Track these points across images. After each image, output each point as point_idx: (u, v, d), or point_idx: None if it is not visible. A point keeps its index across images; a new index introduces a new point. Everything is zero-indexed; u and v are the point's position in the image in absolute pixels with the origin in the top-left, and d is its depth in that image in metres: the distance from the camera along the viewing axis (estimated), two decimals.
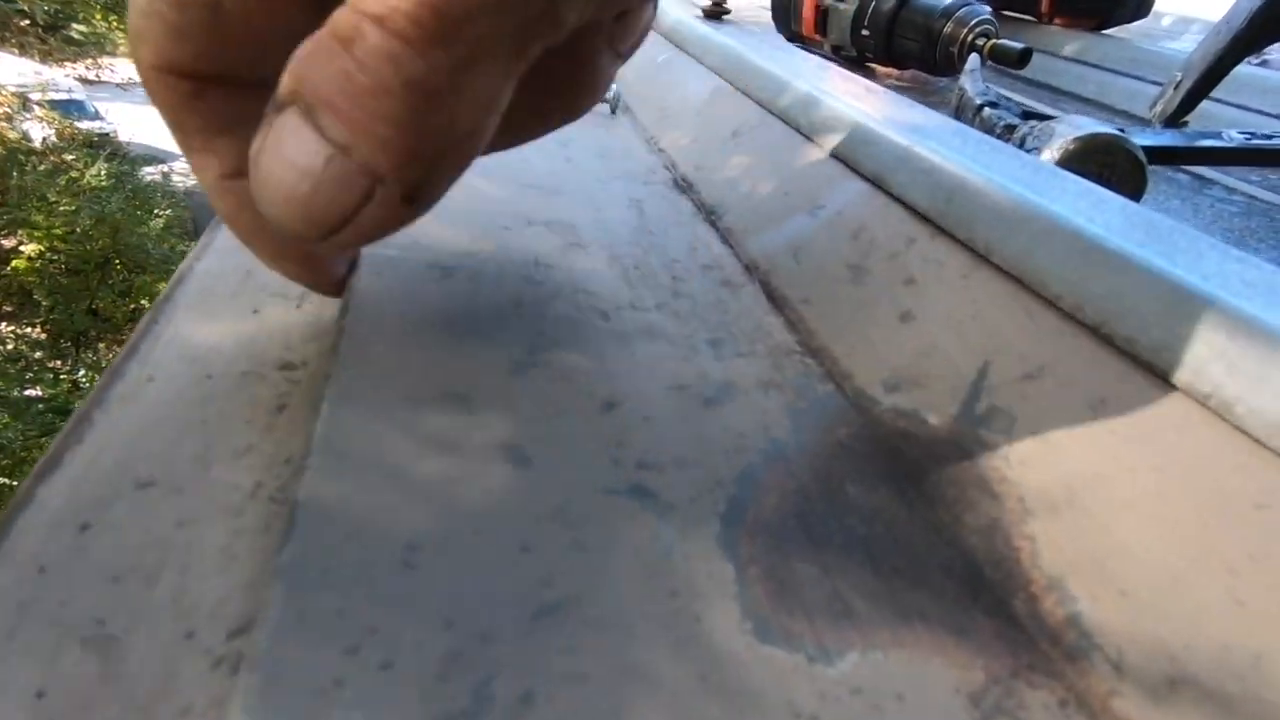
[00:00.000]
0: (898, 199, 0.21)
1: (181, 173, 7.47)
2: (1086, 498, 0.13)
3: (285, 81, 0.11)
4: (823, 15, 0.61)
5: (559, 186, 0.26)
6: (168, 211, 5.87)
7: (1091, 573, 0.12)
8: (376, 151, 0.11)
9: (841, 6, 0.59)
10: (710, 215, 0.26)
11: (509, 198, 0.24)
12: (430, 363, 0.15)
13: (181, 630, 0.10)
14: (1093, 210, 0.18)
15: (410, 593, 0.10)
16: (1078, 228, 0.16)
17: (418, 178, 0.12)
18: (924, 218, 0.20)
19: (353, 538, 0.10)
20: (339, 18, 0.11)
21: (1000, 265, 0.17)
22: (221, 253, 0.20)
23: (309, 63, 0.11)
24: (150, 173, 6.39)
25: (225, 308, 0.18)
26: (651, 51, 0.45)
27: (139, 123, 7.68)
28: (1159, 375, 0.13)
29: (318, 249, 0.11)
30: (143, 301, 5.23)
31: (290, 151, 0.11)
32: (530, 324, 0.17)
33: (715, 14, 0.45)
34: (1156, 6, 0.73)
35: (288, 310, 0.18)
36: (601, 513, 0.12)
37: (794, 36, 0.66)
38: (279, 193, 0.11)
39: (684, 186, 0.29)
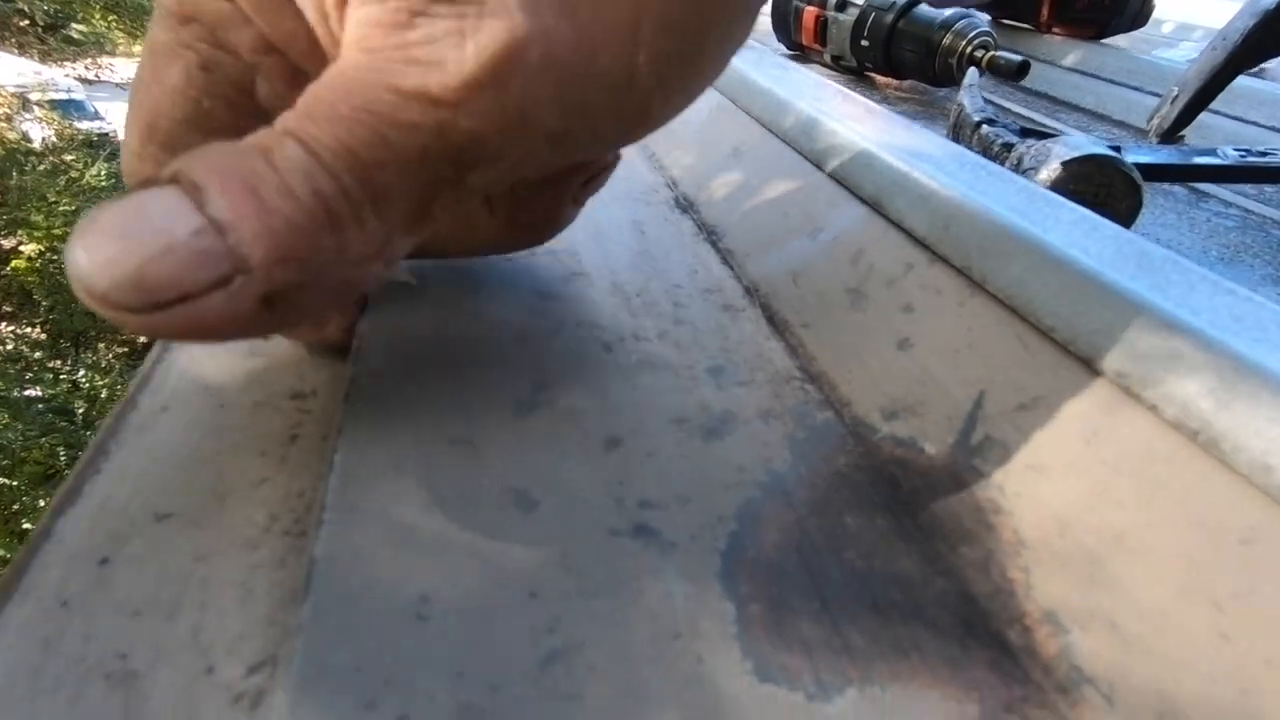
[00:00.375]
0: (895, 224, 0.21)
1: None
2: (1078, 530, 0.13)
3: (171, 166, 0.11)
4: (823, 25, 0.61)
5: None
6: None
7: (1083, 606, 0.12)
8: (255, 240, 0.10)
9: (842, 17, 0.59)
10: (711, 235, 0.27)
11: None
12: (437, 407, 0.15)
13: (201, 666, 0.11)
14: (1086, 239, 0.18)
15: (423, 644, 0.10)
16: (1070, 258, 0.16)
17: (285, 282, 0.11)
18: (921, 244, 0.20)
19: (368, 592, 0.11)
20: (261, 132, 0.11)
21: (995, 294, 0.18)
22: None
23: (213, 156, 0.11)
24: None
25: None
26: None
27: None
28: (1149, 409, 0.13)
29: (122, 320, 0.10)
30: None
31: (152, 210, 0.10)
32: (533, 360, 0.17)
33: None
34: (1156, 14, 0.74)
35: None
36: (606, 555, 0.12)
37: (794, 46, 0.67)
38: (117, 243, 0.10)
39: (685, 205, 0.29)
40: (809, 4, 0.62)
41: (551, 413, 0.16)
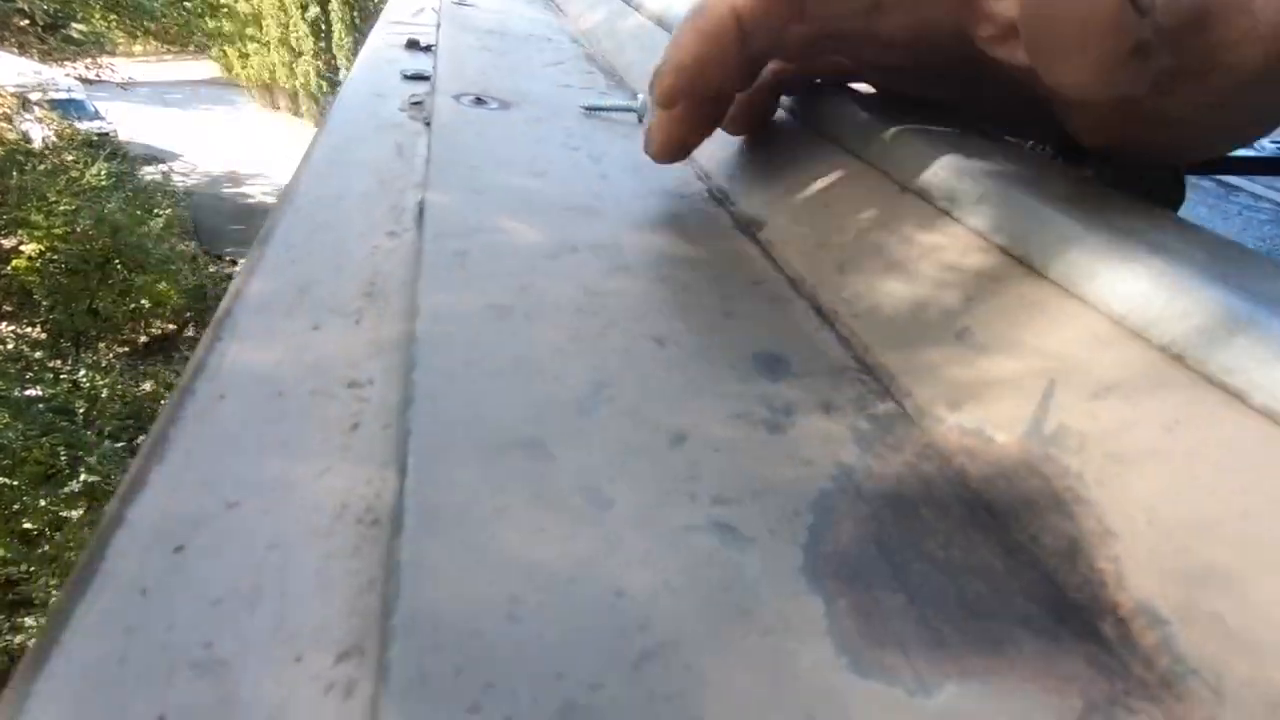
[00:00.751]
0: (946, 212, 0.21)
1: (181, 172, 7.47)
2: (1168, 520, 0.13)
3: None
4: None
5: (598, 207, 0.26)
6: (167, 211, 5.87)
7: (1180, 595, 0.12)
8: None
9: None
10: (749, 228, 0.26)
11: (552, 224, 0.24)
12: (501, 407, 0.15)
13: (289, 654, 0.10)
14: (1149, 227, 0.18)
15: (519, 646, 0.10)
16: (1136, 245, 0.16)
17: None
18: (975, 232, 0.20)
19: (457, 594, 0.11)
20: None
21: (1057, 281, 0.17)
22: (273, 270, 0.20)
23: None
24: (150, 172, 6.38)
25: (285, 325, 0.18)
26: None
27: (139, 122, 7.67)
28: (1234, 396, 0.13)
29: None
30: (143, 301, 5.23)
31: None
32: (589, 358, 0.17)
33: None
34: None
35: (346, 326, 0.18)
36: (686, 552, 0.12)
37: None
38: None
39: (720, 198, 0.29)
40: None
41: (613, 410, 0.15)
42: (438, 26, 0.55)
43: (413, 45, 0.48)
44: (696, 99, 0.24)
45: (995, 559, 0.13)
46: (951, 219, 0.21)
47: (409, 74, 0.42)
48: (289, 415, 0.15)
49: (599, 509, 0.13)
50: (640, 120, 0.38)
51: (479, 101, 0.36)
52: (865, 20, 0.22)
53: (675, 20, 0.49)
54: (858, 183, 0.25)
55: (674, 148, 0.26)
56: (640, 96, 0.38)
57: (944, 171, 0.22)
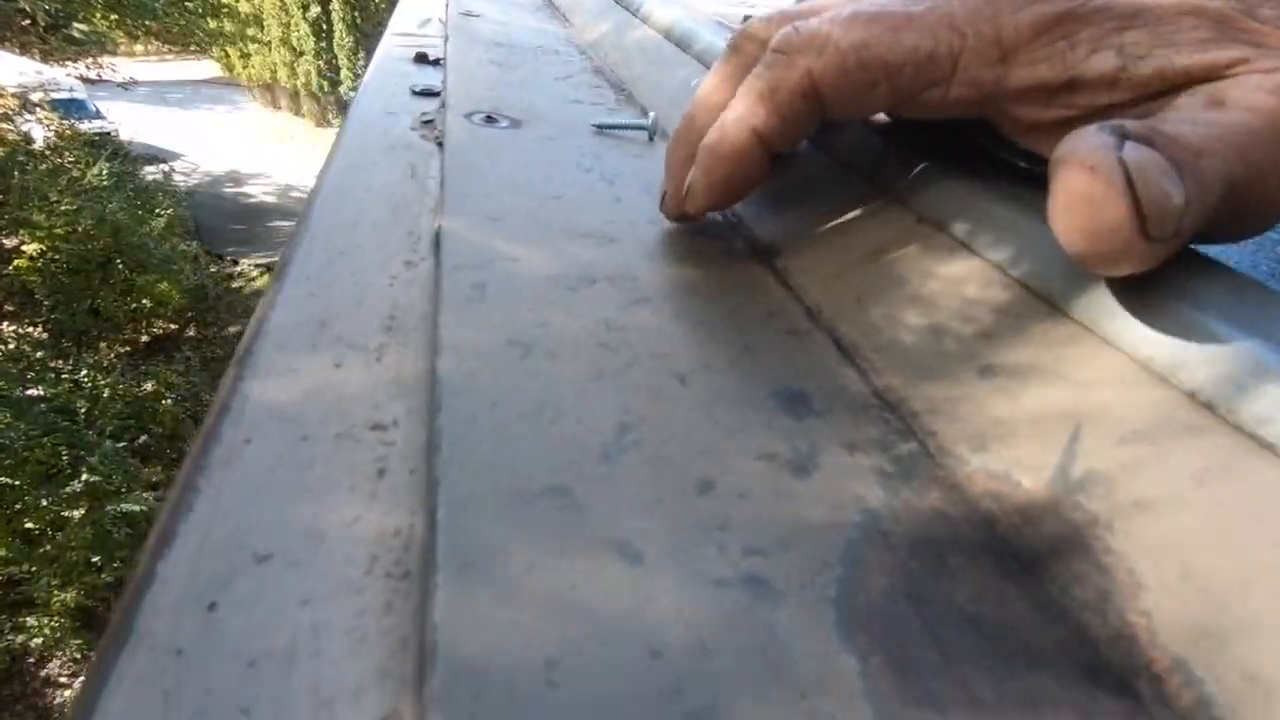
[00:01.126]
0: (966, 245, 0.21)
1: (182, 172, 7.48)
2: (1200, 573, 0.13)
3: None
4: None
5: (614, 234, 0.26)
6: (168, 210, 5.88)
7: (1215, 652, 0.12)
8: None
9: None
10: (765, 254, 0.26)
11: (568, 253, 0.24)
12: (527, 453, 0.15)
13: None
14: (1173, 269, 0.18)
15: (559, 713, 0.10)
16: (1161, 288, 0.16)
17: None
18: (998, 267, 0.20)
19: (493, 658, 0.11)
20: None
21: (1082, 323, 0.17)
22: (292, 302, 0.20)
23: None
24: (151, 172, 6.39)
25: (306, 362, 0.18)
26: (686, 74, 0.45)
27: (140, 122, 7.67)
28: (1265, 447, 0.13)
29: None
30: (144, 301, 5.23)
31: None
32: (613, 397, 0.17)
33: None
34: None
35: (368, 364, 0.18)
36: (718, 608, 0.12)
37: None
38: None
39: (734, 222, 0.29)
40: None
41: (639, 455, 0.15)
42: (445, 39, 0.55)
43: (421, 59, 0.48)
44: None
45: (1026, 613, 0.13)
46: (971, 252, 0.21)
47: (418, 89, 0.42)
48: (315, 461, 0.15)
49: (630, 562, 0.13)
50: (651, 139, 0.38)
51: (490, 120, 0.36)
52: (886, 108, 0.22)
53: (684, 35, 0.49)
54: (875, 212, 0.25)
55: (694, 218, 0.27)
56: (651, 115, 0.38)
57: (963, 204, 0.22)
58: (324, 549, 0.13)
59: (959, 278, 0.21)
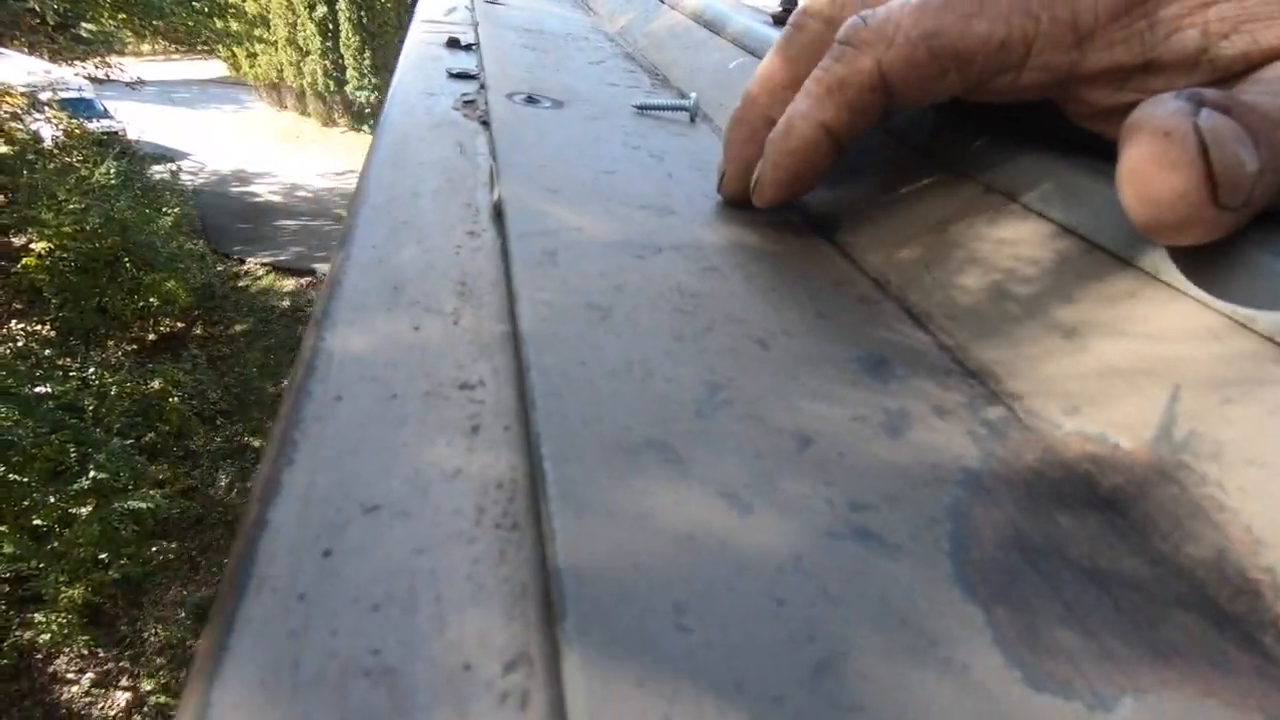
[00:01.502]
0: (1038, 213, 0.21)
1: (190, 171, 7.50)
2: None
3: None
4: None
5: (671, 206, 0.26)
6: (175, 209, 5.90)
7: None
8: None
9: None
10: (823, 228, 0.26)
11: (631, 223, 0.24)
12: (621, 409, 0.15)
13: (457, 662, 0.10)
14: (1261, 230, 0.17)
15: (694, 657, 0.10)
16: (1254, 246, 0.16)
17: None
18: (1073, 233, 0.20)
19: (622, 601, 0.10)
20: None
21: (1171, 284, 0.17)
22: (362, 268, 0.20)
23: None
24: (158, 171, 6.41)
25: (386, 324, 0.18)
26: (721, 56, 0.45)
27: (147, 121, 7.70)
28: None
29: None
30: (151, 299, 5.25)
31: None
32: (697, 359, 0.17)
33: (784, 19, 0.45)
34: None
35: (446, 326, 0.18)
36: (835, 559, 0.12)
37: None
38: None
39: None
40: None
41: (733, 413, 0.15)
42: (475, 25, 0.54)
43: (453, 44, 0.48)
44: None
45: (1143, 569, 0.13)
46: (1041, 218, 0.21)
47: (455, 72, 0.41)
48: (408, 418, 0.15)
49: (741, 513, 0.13)
50: (692, 120, 0.38)
51: (531, 100, 0.36)
52: (955, 95, 0.22)
53: (715, 18, 0.49)
54: (936, 184, 0.25)
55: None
56: (693, 96, 0.38)
57: (1032, 171, 0.22)
58: (430, 501, 0.13)
59: (1030, 243, 0.21)
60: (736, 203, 0.27)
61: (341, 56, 9.26)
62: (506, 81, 0.39)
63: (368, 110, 9.77)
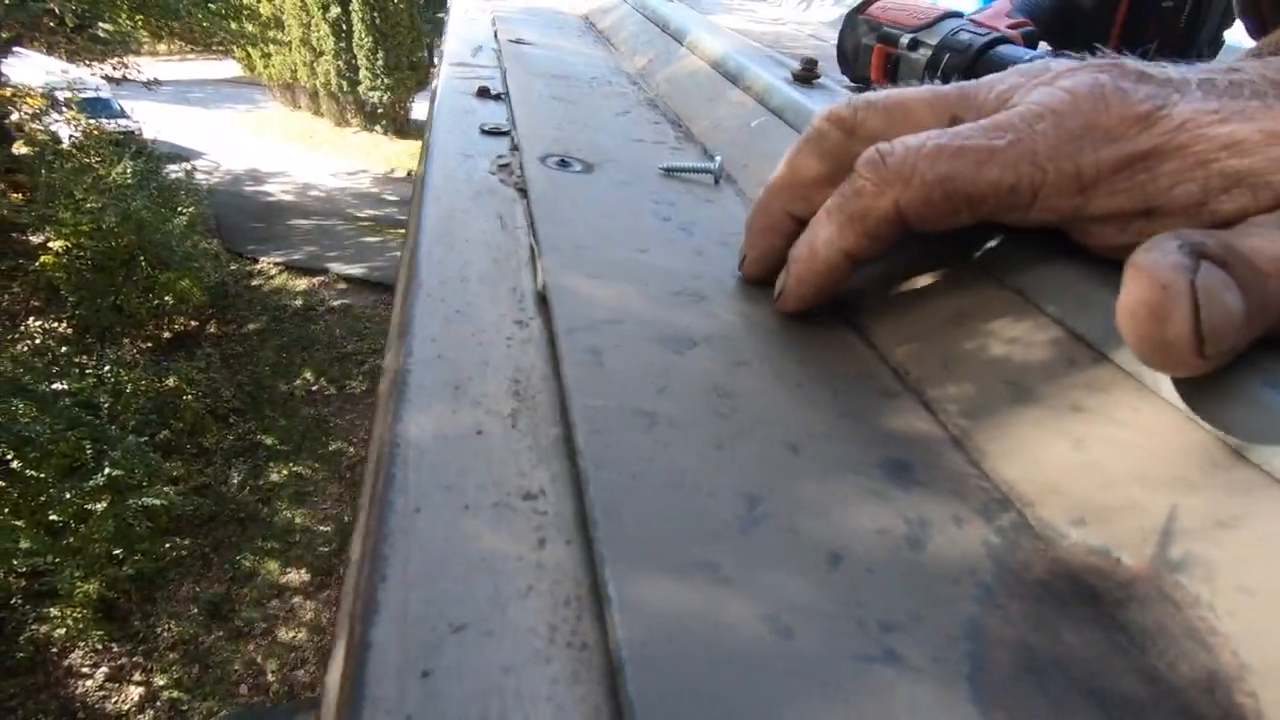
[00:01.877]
0: (1055, 320, 0.23)
1: (204, 170, 7.59)
2: None
3: None
4: (892, 63, 0.62)
5: (703, 290, 0.27)
6: (190, 208, 5.97)
7: None
8: None
9: (913, 56, 0.60)
10: (844, 311, 0.28)
11: (667, 313, 0.26)
12: (672, 527, 0.16)
13: None
14: (1262, 356, 0.19)
15: None
16: (1253, 376, 0.17)
17: None
18: (1082, 340, 0.21)
19: None
20: None
21: (1170, 402, 0.19)
22: (424, 365, 0.22)
23: None
24: (174, 170, 6.49)
25: (451, 426, 0.20)
26: (743, 112, 0.46)
27: (163, 120, 7.78)
28: None
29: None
30: (166, 298, 5.32)
31: None
32: (734, 469, 0.18)
33: (806, 78, 0.47)
34: (1229, 43, 0.74)
35: (505, 430, 0.20)
36: (867, 683, 0.14)
37: (858, 80, 0.68)
38: None
39: None
40: (878, 41, 0.62)
41: (772, 528, 0.17)
42: (503, 71, 0.56)
43: (484, 94, 0.50)
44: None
45: (1140, 689, 0.15)
46: (1051, 320, 0.22)
47: (487, 129, 0.43)
48: (481, 532, 0.17)
49: (782, 638, 0.14)
50: (716, 182, 0.40)
51: (564, 164, 0.38)
52: (964, 224, 0.24)
53: (735, 70, 0.51)
54: (955, 276, 0.26)
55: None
56: (717, 160, 0.40)
57: (1044, 272, 0.23)
58: (509, 619, 0.15)
59: (1042, 346, 0.22)
60: (756, 283, 0.29)
61: (355, 57, 9.32)
62: (539, 142, 0.41)
63: (380, 110, 9.84)
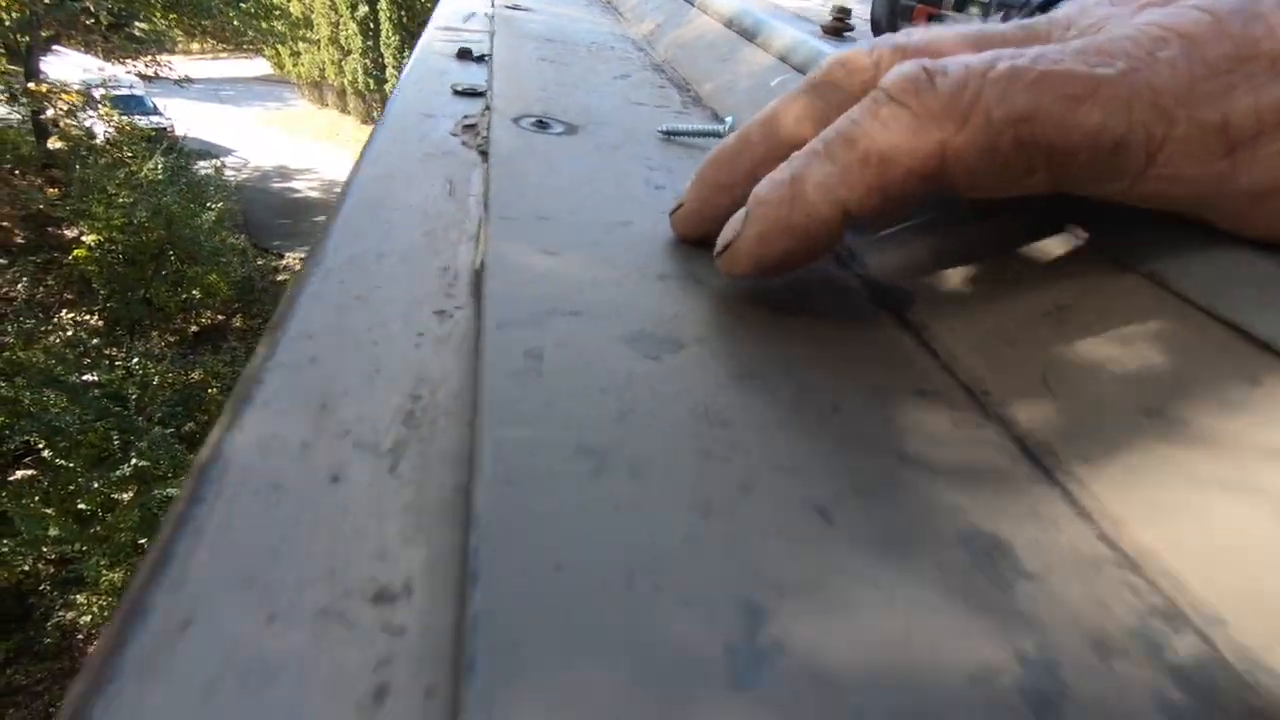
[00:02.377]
0: (1202, 309, 0.15)
1: (233, 167, 7.69)
2: None
3: None
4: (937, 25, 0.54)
5: (698, 272, 0.20)
6: (219, 204, 6.04)
7: None
8: None
9: (959, 17, 0.52)
10: (890, 301, 0.20)
11: (646, 302, 0.19)
12: (615, 680, 0.09)
13: None
14: None
15: None
16: None
17: None
18: (1267, 347, 0.14)
19: None
20: None
21: None
22: (285, 372, 0.15)
23: None
24: (204, 166, 6.57)
25: (295, 474, 0.13)
26: (760, 70, 0.39)
27: (194, 117, 7.92)
28: None
29: None
30: (194, 292, 5.38)
31: None
32: (731, 553, 0.11)
33: (837, 29, 0.39)
34: None
35: (377, 476, 0.13)
36: None
37: None
38: None
39: (844, 258, 0.23)
40: (921, 1, 0.54)
41: (787, 673, 0.10)
42: (491, 34, 0.50)
43: (464, 55, 0.43)
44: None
45: None
46: (1213, 320, 0.15)
47: (460, 89, 0.37)
48: (283, 665, 0.10)
49: None
50: None
51: (541, 125, 0.31)
52: (1031, 193, 0.16)
53: (752, 26, 0.43)
54: (1040, 245, 0.19)
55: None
56: (729, 120, 0.33)
57: (1186, 246, 0.16)
58: None
59: (1201, 358, 0.15)
60: (684, 240, 0.21)
61: (382, 55, 9.38)
62: (517, 101, 0.34)
63: None
